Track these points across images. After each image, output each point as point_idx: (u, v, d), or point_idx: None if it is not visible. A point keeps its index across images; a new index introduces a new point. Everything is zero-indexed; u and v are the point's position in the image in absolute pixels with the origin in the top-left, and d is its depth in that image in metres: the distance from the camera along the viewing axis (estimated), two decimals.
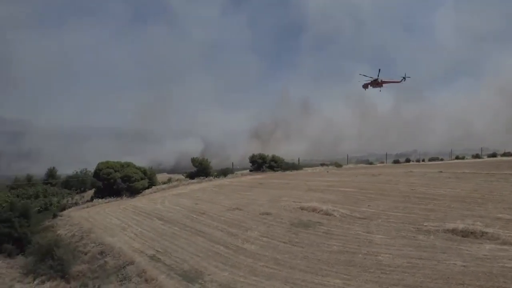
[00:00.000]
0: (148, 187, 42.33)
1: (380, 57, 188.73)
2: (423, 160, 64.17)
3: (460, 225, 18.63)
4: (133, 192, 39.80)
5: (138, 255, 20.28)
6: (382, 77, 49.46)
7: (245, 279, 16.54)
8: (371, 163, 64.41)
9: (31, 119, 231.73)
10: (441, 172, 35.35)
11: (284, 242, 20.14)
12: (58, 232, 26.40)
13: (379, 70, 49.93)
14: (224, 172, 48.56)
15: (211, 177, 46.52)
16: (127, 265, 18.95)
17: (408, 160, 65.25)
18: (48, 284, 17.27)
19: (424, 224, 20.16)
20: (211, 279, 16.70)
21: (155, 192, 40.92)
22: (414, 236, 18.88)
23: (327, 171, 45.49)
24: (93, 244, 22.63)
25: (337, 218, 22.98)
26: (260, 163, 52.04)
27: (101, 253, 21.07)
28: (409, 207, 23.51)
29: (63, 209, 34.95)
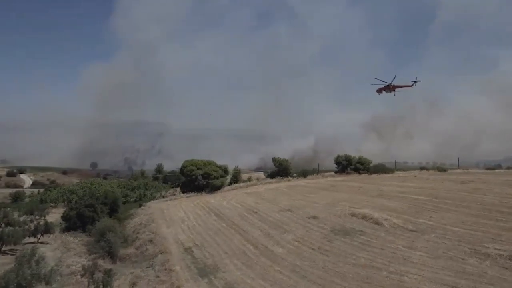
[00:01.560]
0: (230, 184, 44.83)
1: None
2: None
3: None
4: (213, 188, 42.56)
5: (177, 246, 21.87)
6: (394, 82, 49.59)
7: (252, 281, 16.28)
8: (491, 169, 53.94)
9: (169, 122, 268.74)
10: None
11: (312, 249, 18.95)
12: (134, 219, 30.43)
13: (395, 76, 50.33)
14: (304, 173, 47.65)
15: (289, 178, 46.29)
16: (161, 253, 20.68)
17: None
18: (97, 261, 20.19)
19: (487, 246, 16.27)
20: (222, 277, 16.94)
21: (233, 189, 42.88)
22: (463, 259, 15.45)
23: (415, 176, 40.09)
24: (148, 233, 25.39)
25: (384, 228, 20.37)
26: (344, 165, 49.21)
27: (150, 241, 23.49)
28: (481, 223, 19.20)
29: (153, 200, 39.89)
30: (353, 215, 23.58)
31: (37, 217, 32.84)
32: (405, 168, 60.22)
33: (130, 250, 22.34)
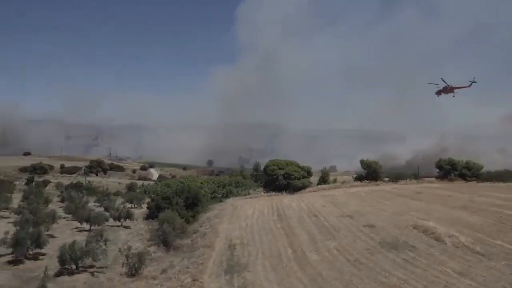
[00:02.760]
0: (319, 184, 44.19)
1: None
2: None
3: None
4: (294, 189, 42.33)
5: (224, 242, 22.71)
6: (452, 84, 48.82)
7: (268, 284, 15.98)
8: None
9: (286, 122, 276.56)
10: None
11: (348, 260, 17.37)
12: (208, 213, 32.65)
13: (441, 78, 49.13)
14: (397, 177, 42.99)
15: (378, 182, 42.48)
16: (206, 247, 21.79)
17: None
18: (152, 248, 22.57)
19: None
20: (244, 276, 17.04)
21: (314, 191, 41.81)
22: None
23: None
24: (208, 226, 26.96)
25: (443, 246, 17.24)
26: (447, 170, 42.50)
27: (204, 234, 24.94)
28: None
29: (237, 196, 42.00)
30: (415, 227, 20.57)
31: (135, 205, 38.60)
32: None
33: (186, 241, 24.24)
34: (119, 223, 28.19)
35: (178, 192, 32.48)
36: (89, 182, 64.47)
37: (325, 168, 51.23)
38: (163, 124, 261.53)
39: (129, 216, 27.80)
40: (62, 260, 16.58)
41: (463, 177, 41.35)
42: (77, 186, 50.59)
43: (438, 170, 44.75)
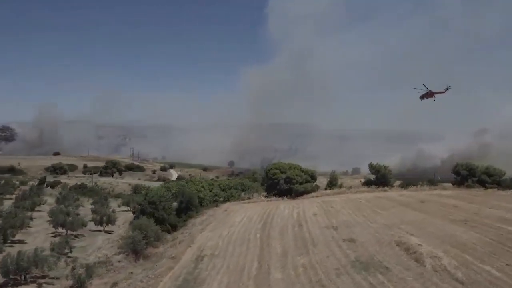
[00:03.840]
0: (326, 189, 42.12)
1: None
2: None
3: None
4: (296, 194, 40.29)
5: (194, 252, 21.34)
6: (431, 89, 51.34)
7: None
8: None
9: (315, 122, 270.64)
10: None
11: (310, 281, 15.60)
12: (196, 219, 31.44)
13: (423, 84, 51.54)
14: (408, 183, 39.76)
15: (386, 188, 39.44)
16: (171, 258, 20.54)
17: None
18: (121, 256, 21.61)
19: None
20: None
21: (317, 196, 39.55)
22: None
23: None
24: (187, 233, 25.71)
25: (421, 269, 15.01)
26: (465, 176, 38.76)
27: (180, 242, 23.71)
28: None
29: (236, 201, 40.58)
30: (398, 243, 18.30)
31: (132, 209, 38.04)
32: None
33: (160, 250, 23.15)
34: (101, 228, 27.60)
35: (175, 195, 31.53)
36: (95, 183, 65.53)
37: (333, 172, 48.57)
38: (191, 125, 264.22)
39: (110, 221, 27.11)
40: (4, 272, 15.88)
41: (483, 183, 37.63)
42: (80, 188, 51.31)
43: (454, 176, 41.13)
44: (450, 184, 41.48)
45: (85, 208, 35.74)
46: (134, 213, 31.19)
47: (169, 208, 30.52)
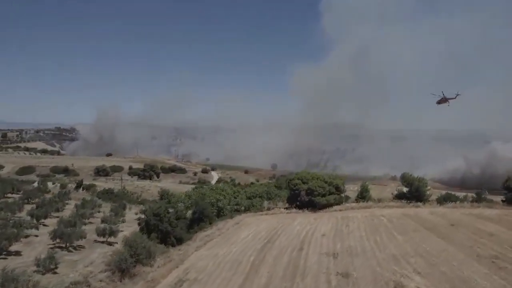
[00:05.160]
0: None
1: None
2: None
3: None
4: (318, 207, 37.52)
5: (176, 276, 20.08)
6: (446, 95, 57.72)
7: None
8: None
9: (370, 123, 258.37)
10: None
11: None
12: (202, 233, 30.25)
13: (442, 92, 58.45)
14: (445, 198, 34.95)
15: (419, 203, 35.00)
16: (151, 280, 19.42)
17: None
18: (105, 274, 20.95)
19: None
20: None
21: (340, 210, 36.50)
22: None
23: None
24: (181, 251, 24.49)
25: None
26: None
27: (169, 261, 22.55)
28: None
29: (255, 211, 38.89)
30: (395, 286, 15.29)
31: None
32: None
33: (148, 269, 22.22)
34: (104, 240, 27.50)
35: (188, 206, 30.83)
36: (124, 187, 67.48)
37: (365, 182, 44.75)
38: (242, 126, 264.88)
39: (112, 233, 26.91)
40: None
41: None
42: (107, 193, 52.99)
43: (505, 192, 35.54)
44: (500, 200, 36.01)
45: (105, 215, 36.30)
46: (139, 224, 30.86)
47: (175, 220, 29.65)
